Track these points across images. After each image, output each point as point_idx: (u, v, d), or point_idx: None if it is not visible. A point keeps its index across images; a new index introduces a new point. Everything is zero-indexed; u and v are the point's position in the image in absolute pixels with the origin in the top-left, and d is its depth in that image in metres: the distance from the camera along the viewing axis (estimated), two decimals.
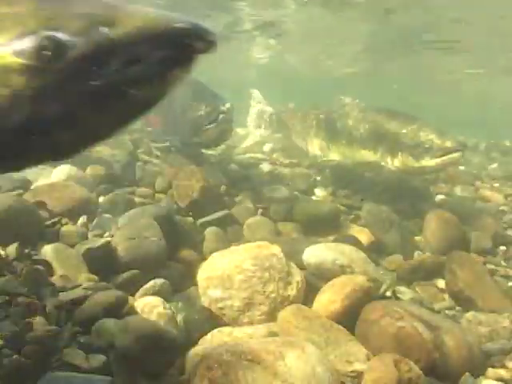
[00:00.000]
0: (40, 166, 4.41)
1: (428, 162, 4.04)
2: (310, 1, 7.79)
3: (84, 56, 1.11)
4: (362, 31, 9.74)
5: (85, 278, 2.60)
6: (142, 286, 2.68)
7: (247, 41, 11.50)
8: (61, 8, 1.15)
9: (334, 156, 4.97)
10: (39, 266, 2.58)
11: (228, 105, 4.29)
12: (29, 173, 4.09)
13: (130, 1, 1.21)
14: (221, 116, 4.25)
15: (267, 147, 7.27)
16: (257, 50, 13.10)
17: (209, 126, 4.34)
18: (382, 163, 4.40)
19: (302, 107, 6.09)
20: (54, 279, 2.60)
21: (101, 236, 3.23)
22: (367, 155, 4.55)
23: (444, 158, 3.98)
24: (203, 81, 4.80)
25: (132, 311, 2.34)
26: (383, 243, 3.93)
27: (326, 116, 5.29)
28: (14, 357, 1.93)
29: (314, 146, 5.42)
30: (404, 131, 4.27)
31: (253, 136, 6.42)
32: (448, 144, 3.99)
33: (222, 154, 6.03)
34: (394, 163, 4.30)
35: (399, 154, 4.23)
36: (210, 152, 5.67)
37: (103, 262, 2.75)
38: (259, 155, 6.61)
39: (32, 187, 3.78)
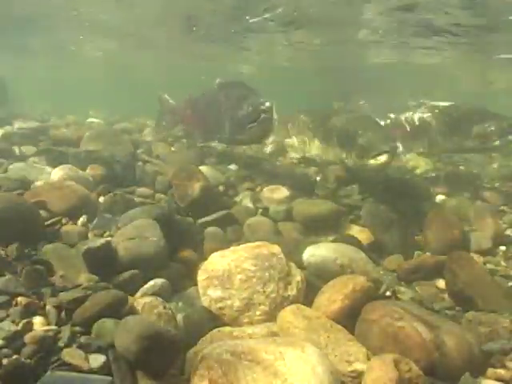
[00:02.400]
0: (40, 166, 4.42)
1: (369, 161, 4.38)
2: None
3: None
4: None
5: (85, 278, 2.60)
6: (141, 286, 2.69)
7: None
8: None
9: (315, 152, 5.31)
10: (39, 266, 2.58)
11: (268, 103, 4.44)
12: (29, 173, 4.10)
13: None
14: (262, 115, 4.42)
15: (268, 148, 7.28)
16: None
17: (252, 125, 4.52)
18: (346, 160, 4.80)
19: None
20: (54, 279, 2.60)
21: (101, 236, 3.23)
22: (339, 153, 4.92)
23: (377, 158, 4.29)
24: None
25: (132, 311, 2.34)
26: (383, 243, 3.93)
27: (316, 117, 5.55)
28: (14, 357, 1.93)
29: (297, 142, 5.73)
30: (360, 132, 4.58)
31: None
32: (380, 146, 4.31)
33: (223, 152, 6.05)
34: (350, 161, 4.73)
35: (355, 153, 4.62)
36: None
37: (103, 262, 2.75)
38: (259, 155, 6.62)
39: (32, 187, 3.78)
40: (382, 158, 4.26)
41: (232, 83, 5.34)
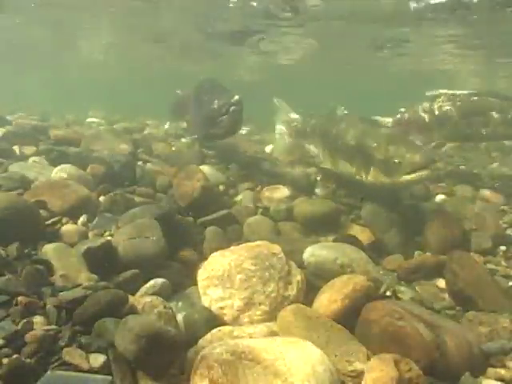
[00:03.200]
0: (40, 166, 4.42)
1: (398, 178, 3.85)
2: None
3: None
4: None
5: (85, 278, 2.60)
6: (142, 286, 2.69)
7: None
8: None
9: (327, 164, 4.92)
10: (39, 266, 2.58)
11: (237, 97, 4.71)
12: (29, 172, 4.10)
13: None
14: (232, 108, 4.68)
15: (269, 148, 7.28)
16: None
17: (222, 118, 4.77)
18: (358, 177, 4.28)
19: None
20: (54, 279, 2.60)
21: (101, 235, 3.23)
22: (347, 167, 4.48)
23: (413, 175, 3.76)
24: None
25: (132, 311, 2.34)
26: (383, 243, 3.93)
27: (323, 124, 5.26)
28: (14, 357, 1.93)
29: (315, 151, 5.38)
30: (375, 145, 4.11)
31: (281, 143, 6.29)
32: (417, 159, 3.77)
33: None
34: (367, 177, 4.16)
35: (371, 168, 4.09)
36: None
37: (103, 262, 2.75)
38: (259, 155, 6.62)
39: (32, 186, 3.78)
40: (422, 173, 3.72)
41: (205, 80, 5.60)
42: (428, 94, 5.70)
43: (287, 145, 6.19)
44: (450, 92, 5.55)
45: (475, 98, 5.38)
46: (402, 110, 5.92)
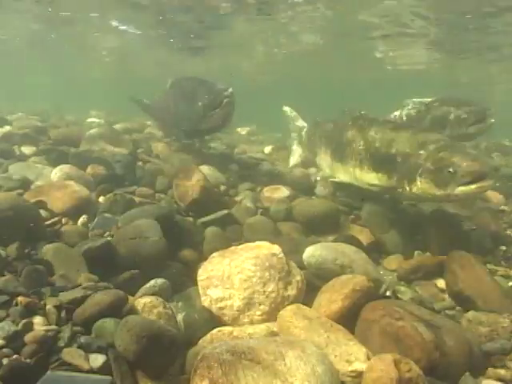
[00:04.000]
0: (40, 166, 4.42)
1: (453, 190, 3.33)
2: None
3: None
4: None
5: (85, 278, 2.60)
6: (141, 286, 2.69)
7: None
8: None
9: (343, 177, 4.47)
10: (39, 266, 2.58)
11: (230, 89, 4.65)
12: (29, 173, 4.11)
13: None
14: (225, 100, 4.62)
15: (267, 149, 7.28)
16: None
17: (214, 111, 4.72)
18: (399, 189, 3.74)
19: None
20: (54, 279, 2.60)
21: (101, 235, 3.23)
22: (380, 179, 3.93)
23: (472, 186, 3.28)
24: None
25: (132, 311, 2.34)
26: (383, 243, 3.93)
27: (335, 130, 4.85)
28: (14, 357, 1.93)
29: (323, 163, 5.07)
30: (422, 152, 3.60)
31: (296, 154, 6.20)
32: (476, 168, 3.29)
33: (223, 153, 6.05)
34: (411, 190, 3.61)
35: (418, 179, 3.54)
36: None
37: (103, 262, 2.75)
38: (259, 155, 6.62)
39: (32, 187, 3.79)
40: (483, 184, 3.28)
41: (185, 78, 5.59)
42: (404, 101, 5.89)
43: (300, 156, 6.05)
44: (417, 100, 5.73)
45: (436, 104, 5.54)
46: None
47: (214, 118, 4.77)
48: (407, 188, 3.65)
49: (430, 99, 5.72)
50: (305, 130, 5.99)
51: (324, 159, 5.03)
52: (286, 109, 6.42)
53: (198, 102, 4.85)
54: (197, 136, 5.79)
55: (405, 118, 5.77)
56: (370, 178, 4.05)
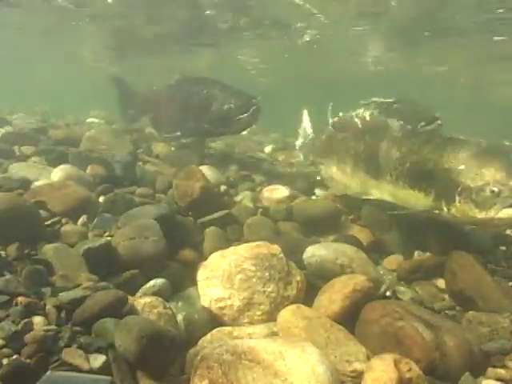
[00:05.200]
0: (40, 166, 4.42)
1: (497, 212, 2.93)
2: None
3: None
4: None
5: (85, 278, 2.60)
6: (141, 286, 2.69)
7: None
8: None
9: (377, 194, 3.97)
10: (39, 266, 2.58)
11: (259, 98, 5.09)
12: (29, 173, 4.10)
13: None
14: (253, 108, 5.01)
15: (268, 149, 7.29)
16: None
17: (241, 116, 5.06)
18: (436, 210, 3.34)
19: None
20: (54, 279, 2.60)
21: (101, 236, 3.23)
22: (417, 197, 3.49)
23: None
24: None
25: (132, 311, 2.34)
26: (383, 243, 3.93)
27: (367, 142, 4.26)
28: (14, 357, 1.93)
29: (352, 179, 4.40)
30: (462, 167, 3.15)
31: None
32: None
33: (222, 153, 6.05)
34: (450, 211, 3.22)
35: (457, 199, 3.14)
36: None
37: (103, 262, 2.75)
38: (259, 155, 6.62)
39: (32, 187, 3.78)
40: None
41: (198, 77, 5.77)
42: (362, 102, 5.80)
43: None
44: (380, 100, 5.67)
45: (395, 105, 5.50)
46: (341, 114, 5.91)
47: (239, 122, 5.12)
48: (445, 209, 3.24)
49: (390, 99, 5.68)
50: (310, 137, 5.64)
51: (346, 173, 4.40)
52: (303, 112, 6.08)
53: (223, 105, 5.13)
54: (207, 136, 5.94)
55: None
56: (406, 195, 3.58)
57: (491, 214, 2.95)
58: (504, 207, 2.91)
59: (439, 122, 4.97)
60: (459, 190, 3.12)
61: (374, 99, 5.38)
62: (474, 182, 3.04)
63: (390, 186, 3.75)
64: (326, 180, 4.79)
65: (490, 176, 2.99)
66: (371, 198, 3.99)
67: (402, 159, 3.62)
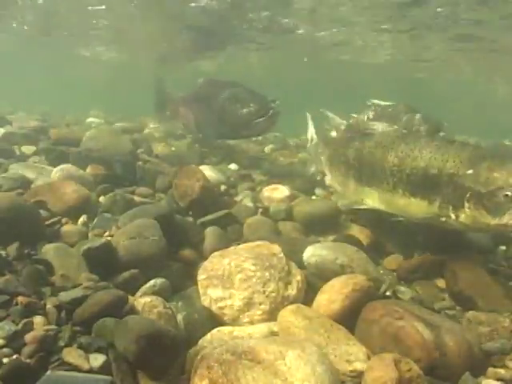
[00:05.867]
0: (40, 166, 4.42)
1: (510, 218, 2.81)
2: None
3: None
4: None
5: (85, 278, 2.60)
6: (141, 286, 2.69)
7: None
8: None
9: (372, 202, 3.73)
10: (39, 266, 2.58)
11: (278, 102, 5.18)
12: (29, 173, 4.10)
13: None
14: (271, 111, 5.10)
15: (268, 148, 7.28)
16: None
17: (260, 120, 5.15)
18: (443, 218, 3.15)
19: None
20: (54, 279, 2.60)
21: (101, 235, 3.23)
22: (419, 205, 3.27)
23: None
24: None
25: (132, 311, 2.34)
26: (383, 243, 3.93)
27: (361, 147, 3.91)
28: (14, 357, 1.93)
29: (347, 187, 4.12)
30: (471, 172, 2.98)
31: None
32: None
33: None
34: (459, 218, 3.05)
35: (466, 205, 2.97)
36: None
37: (103, 262, 2.75)
38: (260, 154, 6.62)
39: (32, 187, 3.78)
40: None
41: (221, 81, 5.95)
42: (368, 103, 5.75)
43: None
44: (382, 103, 5.61)
45: (390, 109, 5.48)
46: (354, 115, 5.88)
47: (259, 125, 5.20)
48: (453, 216, 3.06)
49: (391, 103, 5.54)
50: (314, 142, 5.35)
51: (342, 181, 4.19)
52: (308, 115, 5.81)
53: (243, 108, 5.24)
54: (228, 138, 6.11)
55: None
56: (406, 204, 3.36)
57: (505, 219, 2.81)
58: None
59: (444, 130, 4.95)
60: (468, 195, 2.95)
61: (375, 101, 5.40)
62: (486, 187, 2.88)
63: (386, 195, 3.53)
64: (334, 189, 4.53)
65: (502, 180, 2.85)
66: (363, 207, 3.79)
67: (401, 165, 3.38)
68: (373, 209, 3.71)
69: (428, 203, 3.21)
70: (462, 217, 3.02)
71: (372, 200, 3.71)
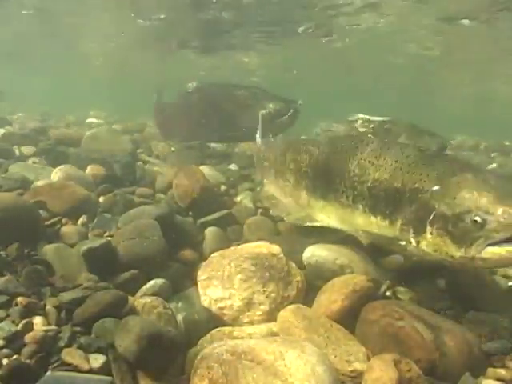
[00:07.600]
0: (40, 166, 4.42)
1: (479, 251, 2.23)
2: None
3: None
4: None
5: (85, 278, 2.60)
6: (141, 286, 2.69)
7: None
8: None
9: (327, 219, 3.22)
10: (39, 267, 2.58)
11: (300, 101, 5.57)
12: (29, 173, 4.11)
13: None
14: (291, 110, 5.50)
15: None
16: None
17: (281, 119, 5.49)
18: (402, 242, 2.62)
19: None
20: (54, 279, 2.60)
21: (101, 236, 3.23)
22: (379, 225, 2.74)
23: (508, 247, 2.15)
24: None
25: (132, 311, 2.34)
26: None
27: (315, 155, 3.34)
28: (14, 357, 1.93)
29: (297, 199, 3.53)
30: (437, 188, 2.43)
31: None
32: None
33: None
34: (419, 244, 2.50)
35: (428, 229, 2.42)
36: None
37: (103, 262, 2.75)
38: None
39: (32, 187, 3.78)
40: None
41: (218, 84, 6.16)
42: (349, 118, 5.66)
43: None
44: (367, 117, 5.48)
45: (387, 125, 5.45)
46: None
47: (280, 124, 5.47)
48: (413, 241, 2.52)
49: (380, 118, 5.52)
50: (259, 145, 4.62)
51: (291, 193, 3.58)
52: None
53: (257, 111, 5.38)
54: (232, 140, 6.28)
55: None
56: (366, 222, 2.83)
57: (472, 252, 2.25)
58: (489, 244, 2.20)
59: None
60: (431, 217, 2.39)
61: (361, 116, 5.28)
62: (452, 209, 2.31)
63: (345, 210, 3.00)
64: (264, 199, 3.95)
65: (471, 201, 2.27)
66: (315, 224, 3.27)
67: (362, 176, 2.85)
68: (327, 227, 3.19)
69: (389, 223, 2.66)
70: (423, 243, 2.47)
71: (327, 216, 3.19)
